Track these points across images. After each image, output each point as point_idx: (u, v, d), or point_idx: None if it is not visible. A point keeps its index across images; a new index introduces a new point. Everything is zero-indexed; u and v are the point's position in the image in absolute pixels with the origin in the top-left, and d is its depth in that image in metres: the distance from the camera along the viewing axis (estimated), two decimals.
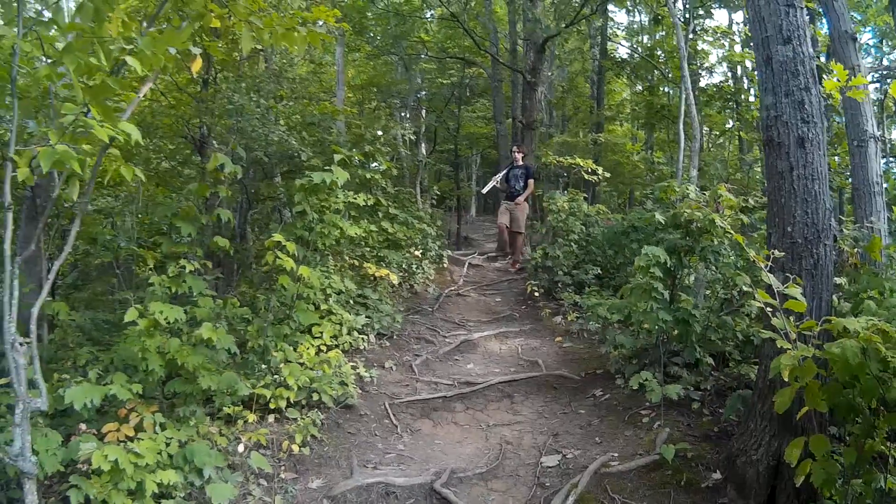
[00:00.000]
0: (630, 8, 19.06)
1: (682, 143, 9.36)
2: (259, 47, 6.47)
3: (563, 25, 15.16)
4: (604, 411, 6.33)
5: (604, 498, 4.82)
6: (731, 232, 5.83)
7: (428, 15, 18.89)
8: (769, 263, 3.99)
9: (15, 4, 3.50)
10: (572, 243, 10.24)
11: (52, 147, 3.21)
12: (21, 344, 3.41)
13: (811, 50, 4.86)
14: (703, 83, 16.59)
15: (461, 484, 5.21)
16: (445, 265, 12.69)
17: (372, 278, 8.90)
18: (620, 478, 5.05)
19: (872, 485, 3.59)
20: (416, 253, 11.13)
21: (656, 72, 17.40)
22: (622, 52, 20.68)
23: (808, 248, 4.54)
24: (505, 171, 13.64)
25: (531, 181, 13.20)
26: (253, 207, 9.13)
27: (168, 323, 4.78)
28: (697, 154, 8.82)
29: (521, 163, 13.40)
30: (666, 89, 18.27)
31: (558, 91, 22.70)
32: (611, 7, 18.25)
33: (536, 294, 10.41)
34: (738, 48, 14.62)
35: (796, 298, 3.70)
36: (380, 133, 12.72)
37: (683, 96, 9.31)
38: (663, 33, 16.85)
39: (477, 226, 21.33)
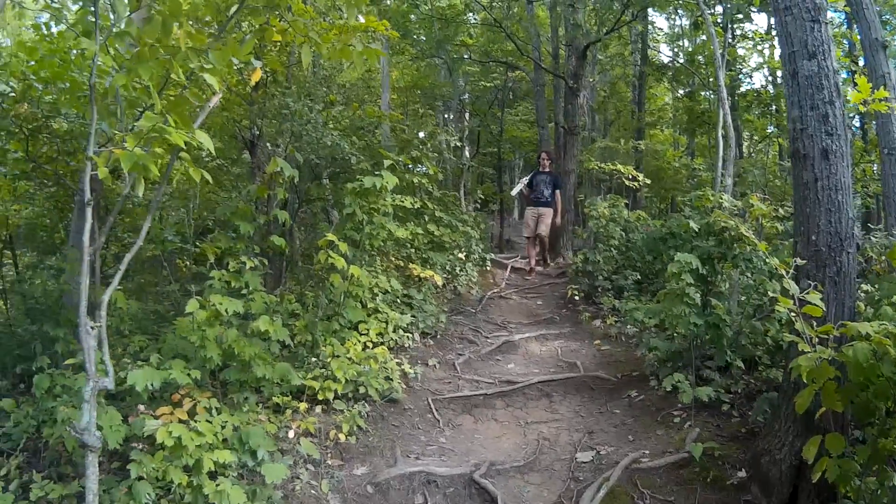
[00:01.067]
0: (671, 13, 19.06)
1: (720, 151, 9.52)
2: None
3: (604, 31, 15.25)
4: (637, 411, 6.58)
5: (633, 492, 5.10)
6: (755, 241, 6.02)
7: (471, 19, 19.05)
8: (791, 270, 4.23)
9: (92, 19, 3.86)
10: (612, 249, 10.44)
11: (130, 150, 3.55)
12: (92, 328, 3.75)
13: (835, 64, 5.06)
14: (743, 88, 16.58)
15: (499, 476, 5.52)
16: (488, 268, 12.93)
17: (417, 279, 9.20)
18: (650, 474, 5.32)
19: (886, 483, 3.80)
20: (460, 255, 11.41)
21: (697, 77, 17.41)
22: (664, 56, 20.73)
23: (832, 256, 4.73)
24: (530, 176, 13.53)
25: (559, 193, 13.09)
26: (302, 208, 9.46)
27: (227, 314, 5.13)
28: (733, 162, 8.98)
29: (547, 169, 13.34)
30: (707, 94, 18.27)
31: (600, 96, 22.77)
32: (652, 12, 18.28)
33: (577, 298, 10.63)
34: (777, 53, 14.65)
35: (815, 304, 3.93)
36: (422, 135, 12.95)
37: (720, 104, 9.46)
38: (704, 38, 16.84)
39: (519, 229, 21.48)
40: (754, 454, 5.09)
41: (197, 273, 7.94)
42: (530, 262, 13.41)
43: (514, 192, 14.25)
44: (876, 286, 5.67)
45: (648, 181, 14.36)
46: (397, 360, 7.27)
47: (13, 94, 5.93)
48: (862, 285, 5.73)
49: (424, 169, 10.26)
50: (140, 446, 4.37)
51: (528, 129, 22.36)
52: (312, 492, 5.02)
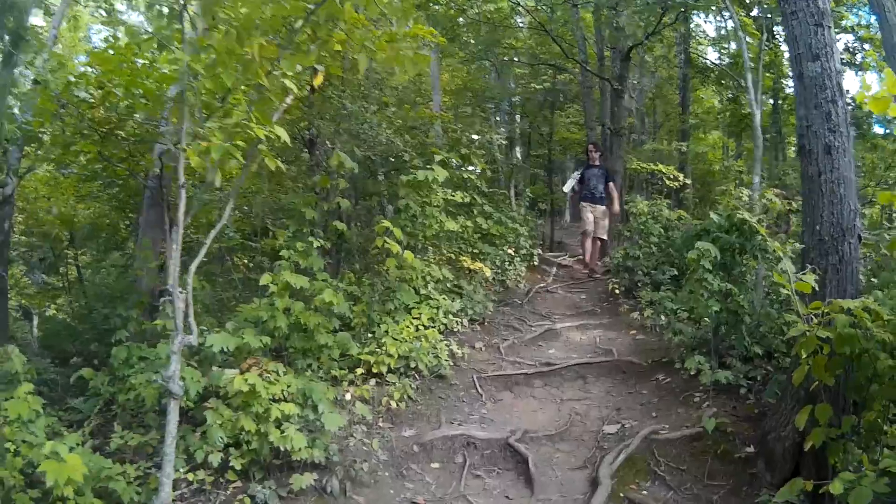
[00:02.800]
0: (711, 13, 19.10)
1: (757, 153, 9.94)
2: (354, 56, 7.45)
3: (647, 34, 15.55)
4: (663, 392, 7.10)
5: (650, 459, 5.68)
6: (762, 230, 6.54)
7: (518, 22, 19.44)
8: (789, 254, 4.74)
9: (180, 35, 4.58)
10: (651, 245, 10.86)
11: (220, 142, 4.27)
12: (181, 293, 4.46)
13: (839, 65, 5.50)
14: (788, 90, 16.66)
15: (532, 442, 6.14)
16: (536, 263, 13.41)
17: (467, 271, 9.79)
18: (666, 444, 5.88)
19: (871, 454, 4.25)
20: (510, 251, 11.97)
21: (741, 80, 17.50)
22: (709, 59, 20.86)
23: (834, 245, 5.17)
24: (580, 172, 13.27)
25: (612, 185, 12.80)
26: (359, 202, 10.06)
27: (295, 289, 5.85)
28: (759, 161, 9.40)
29: (597, 162, 13.06)
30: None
31: (648, 98, 23.01)
32: (697, 15, 18.45)
33: (617, 292, 11.07)
34: None
35: (807, 282, 4.46)
36: (475, 137, 13.46)
37: (756, 107, 9.86)
38: (749, 40, 16.92)
39: (571, 231, 21.84)
40: (762, 432, 5.53)
41: (255, 268, 8.70)
42: (585, 257, 13.05)
43: (567, 188, 13.86)
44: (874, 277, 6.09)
45: (689, 181, 14.59)
46: (446, 342, 7.87)
47: (92, 100, 6.63)
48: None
49: (474, 167, 10.88)
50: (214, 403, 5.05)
51: (577, 130, 22.56)
52: (364, 448, 5.67)
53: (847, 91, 5.67)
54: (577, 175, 13.43)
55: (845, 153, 5.30)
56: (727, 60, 18.28)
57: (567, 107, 23.32)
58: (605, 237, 12.92)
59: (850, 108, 6.42)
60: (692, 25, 19.34)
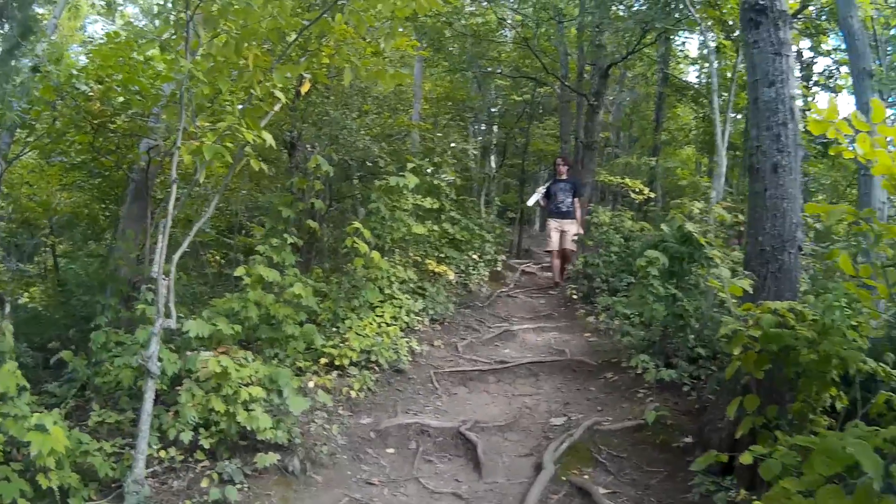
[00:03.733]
0: (694, 33, 19.50)
1: (720, 169, 10.34)
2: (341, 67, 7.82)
3: (626, 53, 16.01)
4: (610, 389, 7.49)
5: (593, 448, 6.05)
6: (701, 240, 6.96)
7: (505, 34, 19.80)
8: (727, 261, 5.10)
9: (182, 45, 4.91)
10: (612, 254, 11.22)
11: (211, 143, 4.60)
12: (164, 279, 4.75)
13: (792, 91, 5.87)
14: None
15: (482, 431, 6.49)
16: (500, 268, 13.78)
17: (432, 273, 10.12)
18: (609, 434, 6.28)
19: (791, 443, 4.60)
20: (474, 256, 12.32)
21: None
22: (690, 77, 21.31)
23: (774, 254, 5.52)
24: (547, 185, 13.08)
25: (578, 201, 12.63)
26: (333, 205, 10.36)
27: (267, 282, 6.16)
28: (720, 177, 9.81)
29: (565, 176, 12.86)
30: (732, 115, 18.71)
31: (625, 113, 23.43)
32: (680, 35, 18.86)
33: (575, 297, 11.45)
34: None
35: (740, 285, 4.83)
36: (453, 145, 13.77)
37: (719, 126, 10.28)
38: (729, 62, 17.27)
39: (540, 240, 22.22)
40: (700, 424, 5.92)
41: (228, 263, 8.98)
42: (555, 276, 12.87)
43: (531, 202, 13.89)
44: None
45: (654, 195, 14.95)
46: (406, 339, 8.21)
47: (91, 93, 6.89)
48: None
49: (445, 174, 11.23)
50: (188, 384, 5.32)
51: (553, 142, 22.91)
52: (324, 432, 6.00)
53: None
54: (541, 190, 13.29)
55: (791, 171, 5.64)
56: (706, 79, 18.71)
57: (545, 119, 23.68)
58: (573, 248, 12.63)
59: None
60: (675, 44, 19.74)
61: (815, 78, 15.63)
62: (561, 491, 5.44)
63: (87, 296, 7.45)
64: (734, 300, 5.20)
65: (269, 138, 5.00)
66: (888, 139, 3.47)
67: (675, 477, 5.59)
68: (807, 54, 16.08)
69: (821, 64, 16.97)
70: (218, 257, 10.06)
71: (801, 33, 14.53)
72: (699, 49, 21.28)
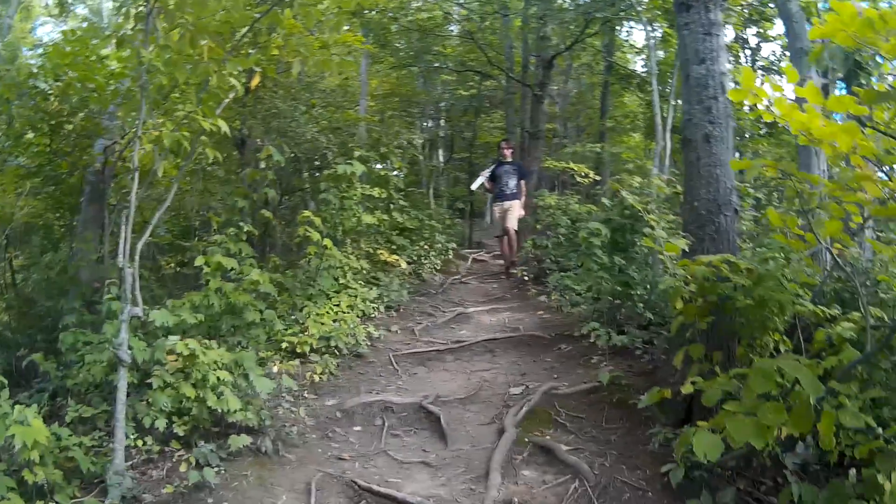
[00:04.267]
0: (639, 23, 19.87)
1: (658, 149, 10.72)
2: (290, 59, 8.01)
3: (569, 44, 16.35)
4: (564, 359, 7.78)
5: (551, 410, 6.31)
6: (635, 205, 7.30)
7: (451, 29, 20.05)
8: (662, 224, 5.40)
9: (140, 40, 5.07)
10: (560, 236, 11.50)
11: (170, 131, 4.77)
12: (129, 268, 4.90)
13: (721, 68, 6.19)
14: None
15: (444, 405, 6.70)
16: (451, 258, 14.04)
17: (384, 263, 10.34)
18: (566, 398, 6.56)
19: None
20: (426, 246, 12.58)
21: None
22: (637, 67, 21.67)
23: (711, 218, 5.81)
24: (491, 169, 13.02)
25: (523, 183, 12.64)
26: (283, 200, 10.51)
27: (227, 271, 6.32)
28: (658, 156, 10.23)
29: (509, 159, 12.92)
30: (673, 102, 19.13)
31: (571, 103, 23.80)
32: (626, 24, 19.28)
33: (526, 279, 11.78)
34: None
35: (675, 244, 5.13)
36: (402, 139, 13.97)
37: (658, 109, 10.70)
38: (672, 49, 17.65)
39: (490, 232, 22.58)
40: (654, 382, 6.19)
41: (184, 264, 9.08)
42: (507, 257, 12.74)
43: (475, 185, 13.73)
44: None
45: (599, 178, 15.26)
46: (364, 326, 8.38)
47: (50, 91, 6.96)
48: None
49: (393, 166, 11.46)
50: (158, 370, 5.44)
51: (500, 134, 23.14)
52: (292, 414, 6.16)
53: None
54: (486, 173, 13.23)
55: (723, 141, 5.94)
56: (645, 69, 19.10)
57: (491, 112, 23.98)
58: (513, 227, 12.43)
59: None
60: (620, 34, 20.12)
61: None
62: (524, 451, 5.69)
63: (50, 301, 7.52)
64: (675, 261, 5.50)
65: (223, 125, 5.18)
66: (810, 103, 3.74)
67: (634, 432, 5.87)
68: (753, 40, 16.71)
69: (766, 49, 17.57)
70: (173, 263, 10.12)
71: (748, 20, 15.07)
72: (645, 39, 21.86)
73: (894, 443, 3.54)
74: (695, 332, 5.22)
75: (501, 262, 14.49)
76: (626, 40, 21.16)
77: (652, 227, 7.05)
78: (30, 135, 7.42)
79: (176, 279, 8.93)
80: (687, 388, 4.21)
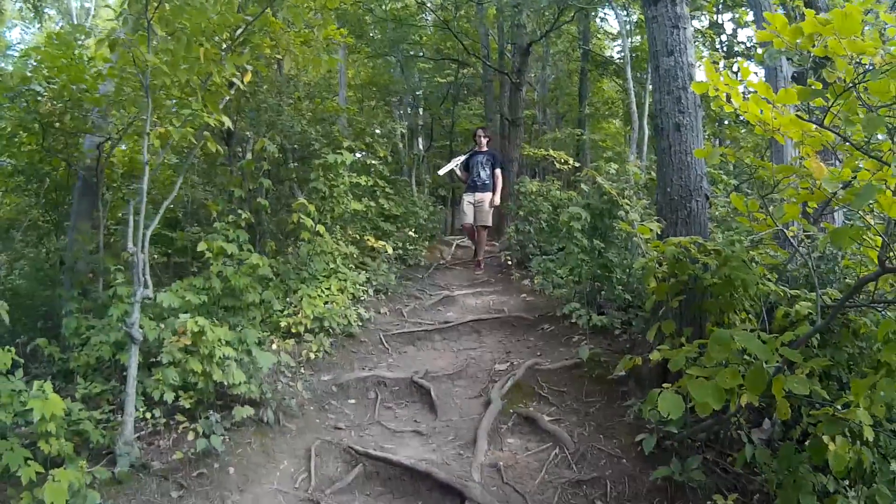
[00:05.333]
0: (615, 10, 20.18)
1: (634, 136, 11.15)
2: (278, 57, 8.36)
3: (545, 31, 16.68)
4: (547, 338, 8.22)
5: (534, 384, 6.79)
6: (610, 190, 7.73)
7: (426, 19, 20.30)
8: (637, 208, 5.81)
9: (146, 45, 5.41)
10: (542, 221, 11.88)
11: (177, 127, 5.15)
12: (141, 252, 5.27)
13: (689, 59, 6.57)
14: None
15: (434, 380, 7.14)
16: (436, 243, 14.43)
17: (371, 249, 10.70)
18: (548, 373, 7.02)
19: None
20: (410, 233, 12.96)
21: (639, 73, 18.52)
22: (613, 53, 21.97)
23: (682, 203, 6.21)
24: (465, 157, 12.57)
25: (499, 172, 12.13)
26: (272, 190, 10.82)
27: (226, 255, 6.69)
28: (635, 142, 10.64)
29: (485, 148, 12.35)
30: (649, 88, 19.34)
31: (550, 90, 24.11)
32: (602, 10, 19.59)
33: (510, 263, 12.20)
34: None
35: (648, 227, 5.55)
36: (378, 131, 14.29)
37: (632, 97, 11.13)
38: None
39: None
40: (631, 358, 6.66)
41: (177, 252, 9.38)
42: (477, 254, 12.60)
43: (443, 171, 13.43)
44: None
45: (578, 164, 15.55)
46: (354, 308, 8.73)
47: (45, 93, 7.22)
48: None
49: (377, 155, 11.81)
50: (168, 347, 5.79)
51: (479, 122, 23.40)
52: (290, 389, 6.55)
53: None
54: (457, 160, 12.83)
55: (693, 130, 6.33)
56: (621, 55, 19.41)
57: (470, 100, 24.24)
58: (488, 224, 12.25)
59: None
60: (595, 21, 20.45)
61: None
62: (509, 421, 6.17)
63: (47, 291, 7.80)
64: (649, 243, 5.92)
65: (226, 120, 5.60)
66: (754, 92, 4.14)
67: (612, 405, 6.35)
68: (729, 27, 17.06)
69: (743, 34, 18.04)
70: (156, 255, 10.35)
71: (723, 5, 15.45)
72: (620, 26, 22.21)
73: (841, 412, 3.94)
74: (667, 311, 5.65)
75: (485, 248, 14.93)
76: (602, 27, 21.53)
77: (626, 212, 7.50)
78: (21, 135, 7.65)
79: (165, 268, 9.21)
80: (655, 356, 4.63)
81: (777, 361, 3.87)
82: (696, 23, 17.13)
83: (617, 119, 23.85)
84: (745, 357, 4.02)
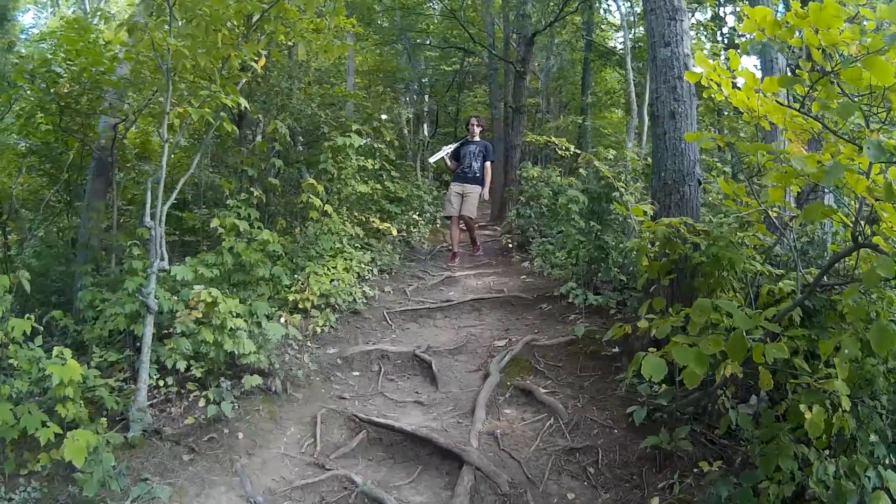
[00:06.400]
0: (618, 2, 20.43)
1: (633, 123, 11.41)
2: (291, 44, 8.65)
3: (549, 21, 16.93)
4: (545, 317, 8.49)
5: (531, 359, 7.07)
6: (605, 172, 8.00)
7: (433, 7, 20.52)
8: (626, 188, 6.06)
9: (166, 28, 5.68)
10: (542, 206, 12.13)
11: (196, 108, 5.43)
12: (158, 226, 5.55)
13: (687, 50, 6.82)
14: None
15: (435, 354, 7.44)
16: (438, 225, 14.71)
17: (376, 231, 10.96)
18: (545, 348, 7.31)
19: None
20: (415, 216, 13.23)
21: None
22: (616, 44, 22.11)
23: (676, 187, 6.46)
24: (457, 145, 12.15)
25: (489, 165, 11.70)
26: (281, 172, 11.08)
27: (239, 228, 6.96)
28: (633, 129, 10.90)
29: (477, 138, 11.87)
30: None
31: (554, 79, 24.36)
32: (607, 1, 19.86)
33: (510, 246, 12.46)
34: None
35: (641, 208, 5.82)
36: (384, 117, 14.53)
37: (632, 86, 11.40)
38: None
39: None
40: (625, 335, 6.88)
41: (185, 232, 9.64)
42: (453, 245, 12.02)
43: (433, 159, 13.05)
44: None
45: (580, 151, 15.75)
46: (359, 286, 9.02)
47: (65, 74, 7.48)
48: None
49: (379, 139, 12.08)
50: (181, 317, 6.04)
51: (484, 109, 23.59)
52: (297, 360, 6.84)
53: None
54: (448, 149, 12.35)
55: (687, 117, 6.57)
56: (632, 44, 19.63)
57: (475, 87, 24.49)
58: (472, 216, 11.76)
59: None
60: (599, 12, 20.65)
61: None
62: (507, 393, 6.47)
63: (61, 267, 8.06)
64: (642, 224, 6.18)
65: (243, 101, 5.88)
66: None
67: (605, 379, 6.63)
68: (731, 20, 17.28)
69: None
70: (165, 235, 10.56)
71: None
72: (620, 18, 22.40)
73: (818, 383, 4.18)
74: (658, 289, 5.92)
75: (487, 232, 15.33)
76: (605, 18, 21.71)
77: (620, 193, 7.76)
78: (39, 115, 7.89)
79: (173, 248, 9.45)
80: (642, 324, 4.88)
81: (760, 334, 4.12)
82: (698, 15, 17.38)
83: (619, 109, 24.02)
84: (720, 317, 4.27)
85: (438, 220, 14.57)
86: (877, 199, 3.64)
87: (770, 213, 4.97)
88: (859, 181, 3.60)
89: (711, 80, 4.41)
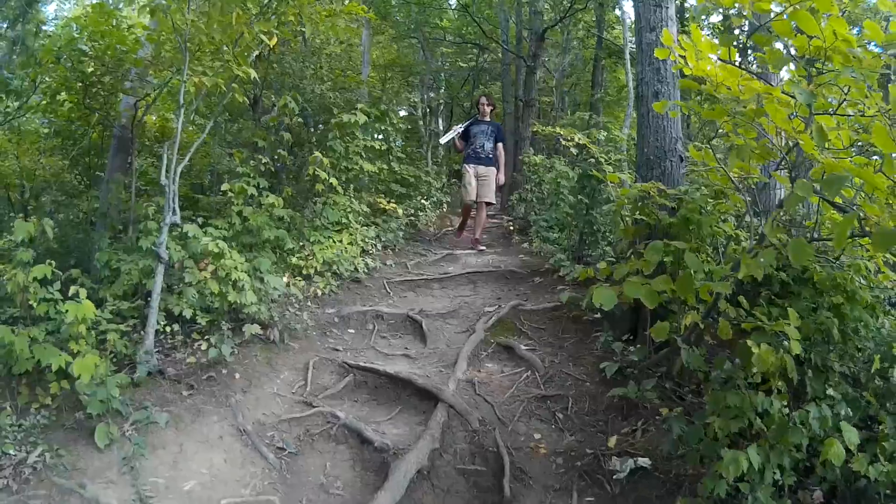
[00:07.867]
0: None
1: (629, 112, 11.80)
2: (304, 29, 9.09)
3: (559, 18, 17.33)
4: (536, 288, 8.91)
5: (517, 322, 7.52)
6: (591, 148, 8.40)
7: (448, 2, 20.95)
8: (607, 158, 6.45)
9: (183, 11, 6.14)
10: (544, 192, 12.51)
11: (210, 76, 5.90)
12: (172, 184, 5.99)
13: (672, 34, 7.22)
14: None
15: (427, 317, 7.86)
16: (445, 211, 15.13)
17: (382, 212, 11.36)
18: (530, 313, 7.76)
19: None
20: (422, 200, 13.65)
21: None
22: (628, 41, 22.41)
23: (658, 163, 6.88)
24: (466, 125, 11.80)
25: (501, 147, 11.39)
26: (293, 150, 11.48)
27: (246, 197, 7.39)
28: (629, 118, 11.29)
29: (488, 118, 11.54)
30: None
31: (567, 77, 24.66)
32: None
33: (511, 229, 12.93)
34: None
35: (617, 175, 6.22)
36: (403, 113, 14.91)
37: (630, 79, 11.79)
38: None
39: None
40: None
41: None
42: (474, 231, 11.67)
43: (443, 140, 13.20)
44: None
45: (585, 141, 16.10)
46: (362, 258, 9.43)
47: (90, 53, 7.89)
48: None
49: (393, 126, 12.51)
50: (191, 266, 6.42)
51: (496, 104, 23.97)
52: (297, 317, 7.25)
53: None
54: (458, 128, 12.05)
55: (669, 97, 6.95)
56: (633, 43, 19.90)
57: (490, 84, 24.86)
58: (492, 200, 11.61)
59: None
60: (610, 10, 20.98)
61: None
62: (489, 349, 6.93)
63: (80, 235, 8.45)
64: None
65: (252, 72, 6.33)
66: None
67: (584, 340, 7.08)
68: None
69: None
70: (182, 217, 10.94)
71: None
72: (620, 10, 22.70)
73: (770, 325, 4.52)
74: (634, 252, 6.29)
75: (494, 221, 15.53)
76: (618, 16, 22.02)
77: (600, 163, 8.15)
78: (63, 94, 8.31)
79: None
80: (602, 266, 5.30)
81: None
82: None
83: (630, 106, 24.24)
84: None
85: (445, 206, 14.95)
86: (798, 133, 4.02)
87: (731, 175, 5.31)
88: (778, 112, 4.00)
89: (679, 54, 4.78)
